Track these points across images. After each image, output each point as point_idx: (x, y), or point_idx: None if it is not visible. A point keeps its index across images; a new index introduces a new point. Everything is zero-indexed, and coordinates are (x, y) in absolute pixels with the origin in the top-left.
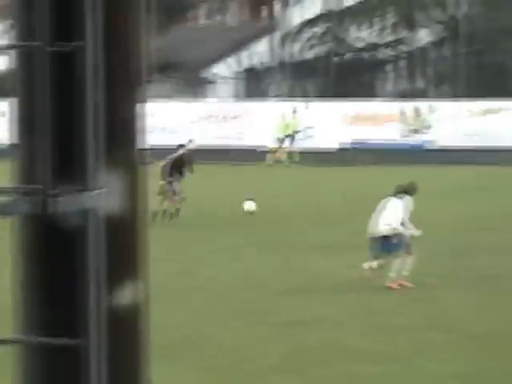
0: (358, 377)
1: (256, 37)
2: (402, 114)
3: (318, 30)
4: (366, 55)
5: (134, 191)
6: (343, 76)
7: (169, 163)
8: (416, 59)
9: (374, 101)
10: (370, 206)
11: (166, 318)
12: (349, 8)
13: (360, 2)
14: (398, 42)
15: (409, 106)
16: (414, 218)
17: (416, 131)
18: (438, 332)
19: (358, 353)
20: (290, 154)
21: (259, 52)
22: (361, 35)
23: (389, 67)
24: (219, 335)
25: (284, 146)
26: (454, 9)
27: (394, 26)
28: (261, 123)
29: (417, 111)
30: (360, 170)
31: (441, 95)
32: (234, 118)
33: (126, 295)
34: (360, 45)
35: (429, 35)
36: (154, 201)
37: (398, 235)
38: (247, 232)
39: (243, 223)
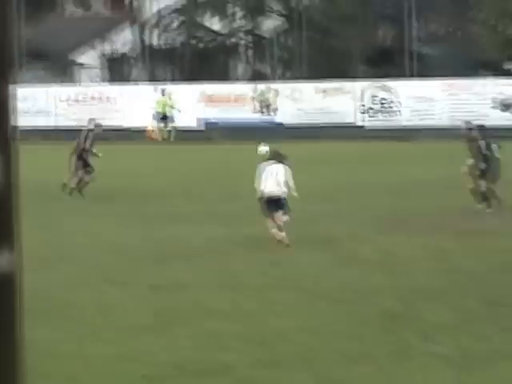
0: (217, 333)
1: (119, 25)
2: (253, 94)
3: (175, 18)
4: (219, 42)
5: (7, 167)
6: (199, 61)
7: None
8: (264, 45)
9: (227, 83)
10: (226, 179)
11: (40, 285)
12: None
13: None
14: (248, 29)
15: (257, 87)
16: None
17: (266, 110)
18: (288, 291)
19: (216, 312)
20: (165, 132)
21: (123, 39)
22: (214, 23)
23: (240, 52)
24: (91, 299)
25: (161, 125)
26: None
27: (244, 16)
28: (125, 105)
29: (265, 92)
30: (217, 146)
31: (286, 78)
32: (100, 100)
33: (1, 264)
34: (214, 32)
35: (274, 24)
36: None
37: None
38: (116, 205)
39: (113, 198)
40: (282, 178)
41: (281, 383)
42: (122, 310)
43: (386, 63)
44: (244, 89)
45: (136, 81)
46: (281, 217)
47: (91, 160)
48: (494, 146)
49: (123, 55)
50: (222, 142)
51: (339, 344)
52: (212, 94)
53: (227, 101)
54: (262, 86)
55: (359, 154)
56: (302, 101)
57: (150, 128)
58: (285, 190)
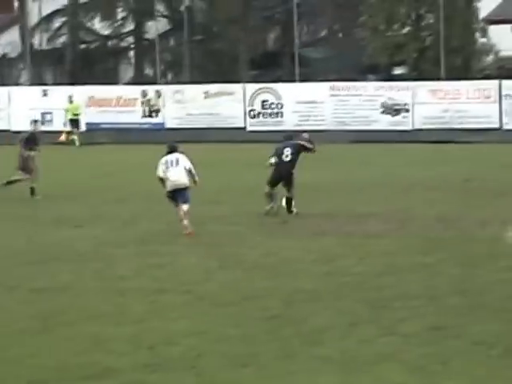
0: (102, 337)
1: (6, 27)
2: (140, 97)
3: (61, 21)
4: (104, 44)
5: None
6: (83, 63)
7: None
8: (146, 48)
9: (113, 86)
10: (111, 182)
11: None
12: (86, 2)
13: None
14: (130, 33)
15: (142, 90)
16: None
17: (150, 113)
18: (174, 294)
19: (101, 315)
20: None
21: (8, 41)
22: (99, 26)
23: (124, 56)
24: None
25: (68, 129)
26: (178, 3)
27: (127, 19)
28: (9, 108)
29: (149, 95)
30: (102, 148)
31: (171, 80)
32: None
33: None
34: (98, 35)
35: (157, 27)
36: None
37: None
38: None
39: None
40: (186, 165)
41: None
42: (4, 313)
43: (272, 66)
44: (129, 91)
45: (20, 83)
46: (184, 206)
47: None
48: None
49: (7, 57)
50: (108, 145)
51: (225, 346)
52: (97, 96)
53: (112, 104)
54: (147, 89)
55: (244, 156)
56: (186, 103)
57: (63, 133)
58: (188, 178)
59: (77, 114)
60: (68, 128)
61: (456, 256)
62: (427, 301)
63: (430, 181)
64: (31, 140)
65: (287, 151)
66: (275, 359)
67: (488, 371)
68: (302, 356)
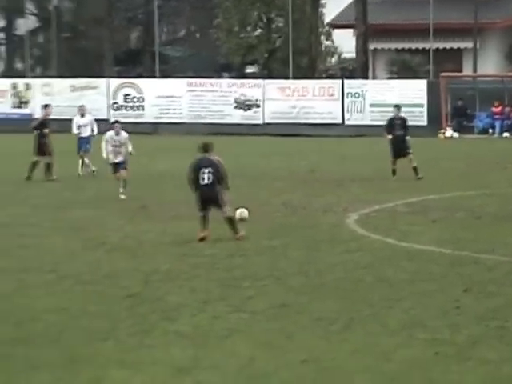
0: None
1: None
2: (10, 89)
3: None
4: None
5: None
6: None
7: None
8: (17, 44)
9: None
10: None
11: None
12: None
13: None
14: (1, 29)
15: (12, 83)
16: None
17: (20, 105)
18: (38, 273)
19: None
20: None
21: None
22: None
23: None
24: None
25: None
26: (46, 2)
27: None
28: None
29: (18, 87)
30: None
31: (38, 75)
32: None
33: None
34: None
35: (27, 24)
36: None
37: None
38: None
39: None
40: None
41: (34, 359)
42: None
43: (134, 63)
44: (2, 84)
45: None
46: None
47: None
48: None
49: None
50: None
51: (86, 322)
52: None
53: None
54: (16, 82)
55: None
56: (54, 95)
57: None
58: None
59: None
60: None
61: (300, 240)
62: (273, 280)
63: (278, 171)
64: (44, 124)
65: (204, 173)
66: (133, 334)
67: (328, 344)
68: (158, 331)
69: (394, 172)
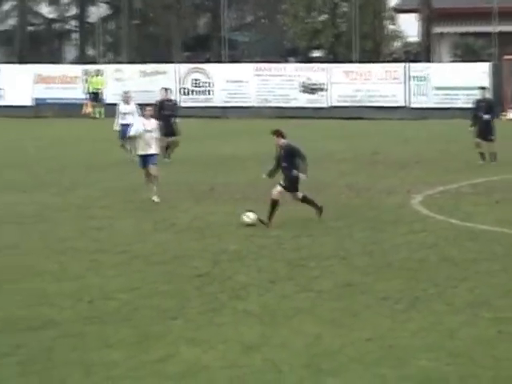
0: (45, 292)
1: None
2: (82, 75)
3: (10, 5)
4: (52, 27)
5: None
6: (34, 44)
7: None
8: (90, 30)
9: (58, 65)
10: (57, 151)
11: None
12: None
13: None
14: (76, 16)
15: (84, 69)
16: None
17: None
18: (112, 254)
19: (44, 273)
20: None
21: None
22: (47, 10)
23: (70, 37)
24: None
25: (94, 103)
26: None
27: (72, 3)
28: None
29: (91, 74)
30: (48, 122)
31: (111, 60)
32: None
33: None
34: (47, 18)
35: (100, 11)
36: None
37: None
38: None
39: None
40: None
41: (107, 337)
42: None
43: (203, 49)
44: (74, 70)
45: None
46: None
47: None
48: None
49: None
50: (53, 119)
51: (157, 301)
52: (43, 74)
53: (58, 81)
54: (88, 68)
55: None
56: (125, 81)
57: (86, 105)
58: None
59: (98, 89)
60: (91, 101)
61: (364, 221)
62: (338, 260)
63: (342, 153)
64: (164, 106)
65: None
66: (202, 312)
67: (393, 323)
68: (227, 310)
69: (482, 156)
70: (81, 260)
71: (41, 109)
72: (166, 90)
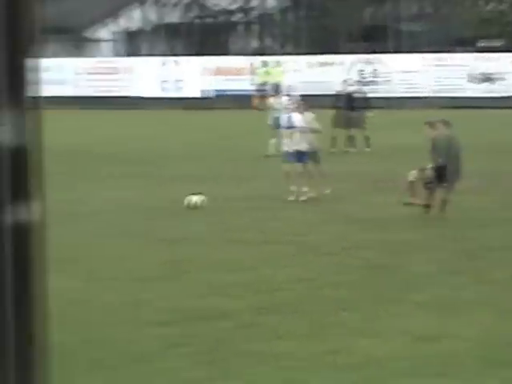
0: (220, 283)
1: (131, 2)
2: (255, 67)
3: None
4: (222, 19)
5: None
6: (205, 36)
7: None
8: (265, 22)
9: (231, 57)
10: (229, 143)
11: (61, 238)
12: None
13: None
14: (250, 7)
15: (262, 61)
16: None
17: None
18: (283, 245)
19: (217, 264)
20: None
21: (135, 16)
22: (218, 2)
23: (242, 29)
24: (109, 250)
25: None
26: None
27: None
28: (140, 77)
29: (265, 65)
30: (220, 113)
31: (286, 52)
32: (116, 72)
33: (23, 214)
34: (218, 10)
35: (275, 2)
36: None
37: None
38: (126, 166)
39: (131, 160)
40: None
41: (278, 328)
42: (136, 261)
43: (377, 39)
44: (245, 62)
45: (148, 54)
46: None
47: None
48: None
49: (136, 31)
50: (225, 111)
51: (328, 292)
52: (217, 66)
53: (231, 73)
54: (267, 59)
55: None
56: (302, 72)
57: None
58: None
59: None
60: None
61: None
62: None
63: None
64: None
65: None
66: (375, 304)
67: None
68: (401, 301)
69: None
70: (251, 251)
71: (213, 101)
72: (345, 81)
